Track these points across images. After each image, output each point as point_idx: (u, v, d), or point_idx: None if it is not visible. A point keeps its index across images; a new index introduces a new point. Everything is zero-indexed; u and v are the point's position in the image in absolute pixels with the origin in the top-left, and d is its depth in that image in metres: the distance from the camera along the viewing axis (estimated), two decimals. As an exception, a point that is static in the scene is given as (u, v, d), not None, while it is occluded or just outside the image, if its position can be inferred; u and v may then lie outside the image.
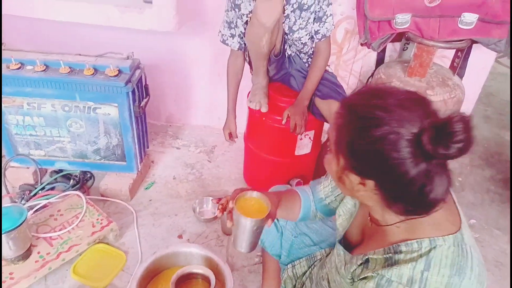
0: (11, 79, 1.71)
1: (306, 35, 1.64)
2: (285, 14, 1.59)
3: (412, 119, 0.68)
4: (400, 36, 1.93)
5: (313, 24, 1.62)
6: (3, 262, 1.50)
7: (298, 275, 1.31)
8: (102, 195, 2.00)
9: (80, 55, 1.81)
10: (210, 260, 1.53)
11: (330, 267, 1.06)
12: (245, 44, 1.73)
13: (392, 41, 1.92)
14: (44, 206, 1.82)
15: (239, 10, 1.62)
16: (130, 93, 1.76)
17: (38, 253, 1.57)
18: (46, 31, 2.23)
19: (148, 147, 2.19)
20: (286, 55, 1.74)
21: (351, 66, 2.24)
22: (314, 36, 1.66)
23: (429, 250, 0.74)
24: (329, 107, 1.68)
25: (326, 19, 1.62)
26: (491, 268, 1.81)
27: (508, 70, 3.79)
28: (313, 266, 1.29)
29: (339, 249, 1.00)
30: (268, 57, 1.73)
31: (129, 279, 1.61)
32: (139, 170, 2.06)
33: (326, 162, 0.86)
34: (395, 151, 0.68)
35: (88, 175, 2.08)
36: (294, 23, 1.61)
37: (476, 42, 1.83)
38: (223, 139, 2.00)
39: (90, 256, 1.66)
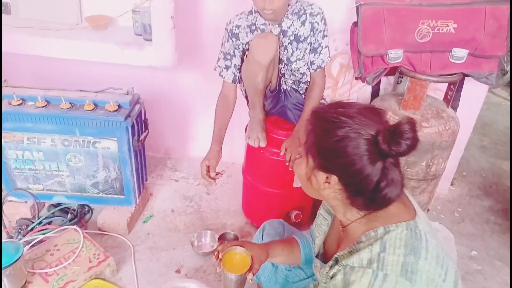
0: (12, 115, 1.74)
1: (304, 65, 1.69)
2: (282, 46, 1.64)
3: (370, 124, 0.82)
4: (393, 70, 1.97)
5: (309, 54, 1.67)
6: (-3, 300, 1.48)
7: None
8: (99, 229, 1.98)
9: (81, 90, 1.85)
10: (208, 296, 1.51)
11: None
12: (239, 77, 1.76)
13: (386, 75, 1.96)
14: (41, 241, 1.80)
15: (237, 39, 1.67)
16: (130, 128, 1.79)
17: (33, 290, 1.55)
18: (48, 68, 2.28)
19: (146, 180, 2.20)
20: (282, 90, 1.78)
21: (347, 99, 2.28)
22: (310, 67, 1.71)
23: (384, 235, 0.84)
24: None
25: (321, 51, 1.67)
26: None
27: (502, 100, 3.85)
28: None
29: (316, 262, 1.09)
30: (264, 93, 1.77)
31: (125, 316, 1.58)
32: (137, 203, 2.05)
33: (296, 166, 0.97)
34: (355, 148, 0.81)
35: (86, 209, 2.08)
36: (292, 54, 1.66)
37: (468, 75, 1.88)
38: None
39: (86, 293, 1.63)
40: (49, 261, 1.67)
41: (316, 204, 2.04)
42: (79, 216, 2.00)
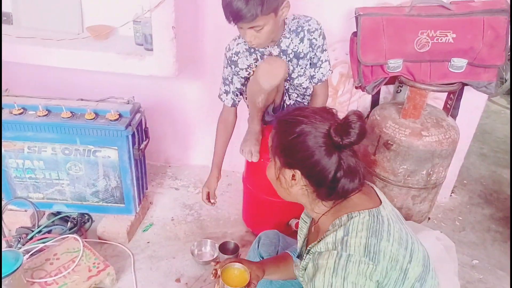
0: (13, 124, 1.75)
1: (306, 80, 1.70)
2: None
3: (323, 121, 0.93)
4: (393, 79, 1.98)
5: (310, 69, 1.68)
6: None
7: None
8: (99, 238, 1.98)
9: (82, 100, 1.86)
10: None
11: None
12: (239, 101, 1.77)
13: (386, 84, 1.97)
14: (41, 250, 1.80)
15: (236, 66, 1.66)
16: (130, 137, 1.79)
17: (32, 300, 1.54)
18: (49, 77, 2.30)
19: (147, 189, 2.20)
20: (285, 105, 1.78)
21: (347, 108, 2.29)
22: (311, 81, 1.71)
23: (347, 221, 0.91)
24: None
25: (321, 65, 1.67)
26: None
27: (501, 108, 3.86)
28: None
29: (296, 262, 1.14)
30: (265, 110, 1.77)
31: (124, 326, 1.57)
32: (137, 212, 2.05)
33: (267, 170, 1.06)
34: (312, 141, 0.91)
35: (86, 218, 2.07)
36: (293, 71, 1.66)
37: (467, 84, 1.89)
38: (222, 179, 2.00)
39: (85, 303, 1.62)
40: (49, 270, 1.66)
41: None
42: (79, 224, 1.99)
